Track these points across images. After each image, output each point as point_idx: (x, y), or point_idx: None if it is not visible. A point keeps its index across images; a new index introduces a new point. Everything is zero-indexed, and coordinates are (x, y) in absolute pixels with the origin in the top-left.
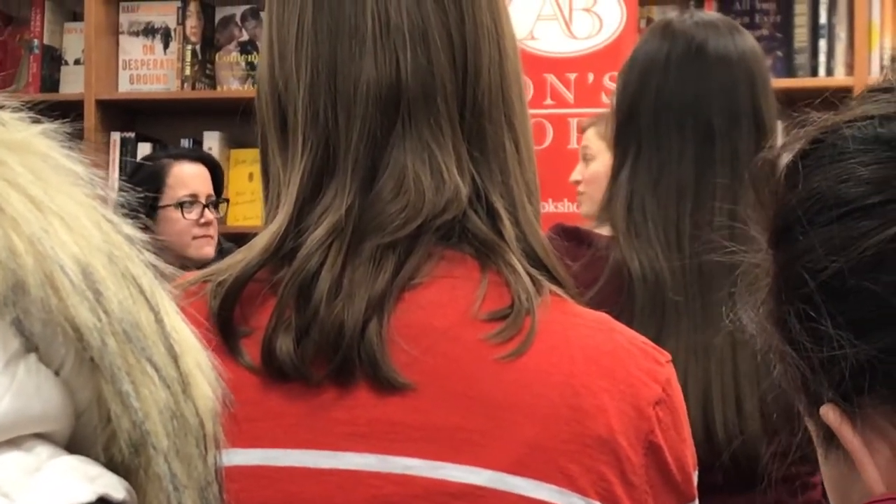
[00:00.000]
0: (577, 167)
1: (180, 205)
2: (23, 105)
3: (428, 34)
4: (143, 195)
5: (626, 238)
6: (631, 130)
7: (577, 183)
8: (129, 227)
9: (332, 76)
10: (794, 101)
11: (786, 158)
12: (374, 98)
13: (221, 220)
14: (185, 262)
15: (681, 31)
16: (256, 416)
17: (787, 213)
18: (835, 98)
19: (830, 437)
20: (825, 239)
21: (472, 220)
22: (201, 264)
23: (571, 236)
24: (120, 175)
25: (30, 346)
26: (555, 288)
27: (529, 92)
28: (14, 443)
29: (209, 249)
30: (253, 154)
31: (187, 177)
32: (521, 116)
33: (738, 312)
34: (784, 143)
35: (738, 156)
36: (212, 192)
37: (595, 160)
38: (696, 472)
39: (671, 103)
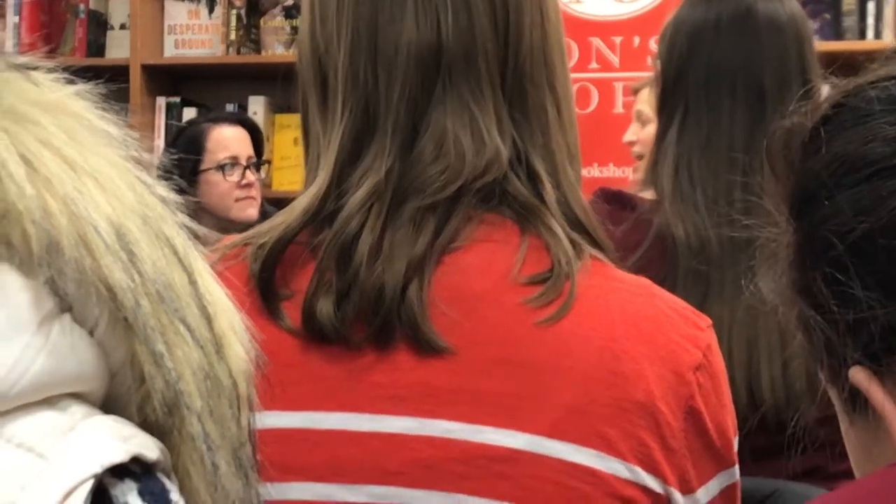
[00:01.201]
0: (630, 127)
1: (221, 167)
2: (57, 66)
3: None
4: (184, 159)
5: (672, 202)
6: (678, 94)
7: (632, 144)
8: (162, 189)
9: (372, 38)
10: (841, 65)
11: (801, 127)
12: (414, 59)
13: (266, 184)
14: (229, 225)
15: None
16: (297, 379)
17: (810, 178)
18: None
19: (854, 400)
20: (853, 200)
21: (513, 182)
22: (245, 226)
23: (614, 200)
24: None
25: (64, 306)
26: (595, 252)
27: (574, 55)
28: (48, 402)
29: (252, 211)
30: (298, 119)
31: (227, 139)
32: (563, 79)
33: (758, 286)
34: (798, 112)
35: None
36: (252, 153)
37: (651, 122)
38: (737, 439)
39: (722, 66)
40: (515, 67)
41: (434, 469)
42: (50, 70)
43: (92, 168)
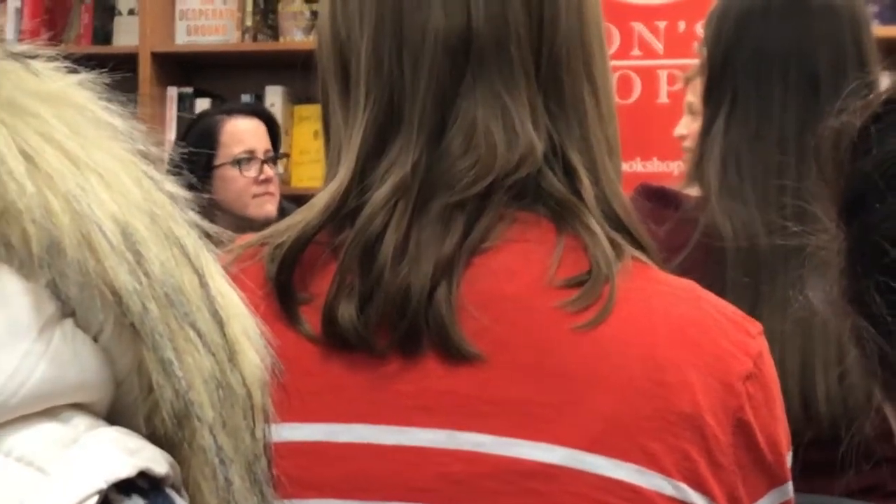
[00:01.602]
0: (682, 120)
1: (237, 162)
2: (59, 54)
3: None
4: (197, 153)
5: (720, 198)
6: (725, 82)
7: (683, 138)
8: (171, 185)
9: (397, 23)
10: None
11: (850, 126)
12: (442, 46)
13: (284, 180)
14: (246, 224)
15: None
16: (316, 389)
17: (860, 180)
18: None
19: None
20: None
21: (548, 178)
22: (263, 224)
23: (656, 197)
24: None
25: (66, 310)
26: (637, 253)
27: (614, 42)
28: (50, 413)
29: (271, 207)
30: (318, 110)
31: (242, 132)
32: (602, 67)
33: (808, 297)
34: (848, 110)
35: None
36: (269, 147)
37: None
38: (790, 453)
39: (773, 52)
40: (550, 55)
41: (464, 485)
42: (51, 58)
43: (96, 163)
